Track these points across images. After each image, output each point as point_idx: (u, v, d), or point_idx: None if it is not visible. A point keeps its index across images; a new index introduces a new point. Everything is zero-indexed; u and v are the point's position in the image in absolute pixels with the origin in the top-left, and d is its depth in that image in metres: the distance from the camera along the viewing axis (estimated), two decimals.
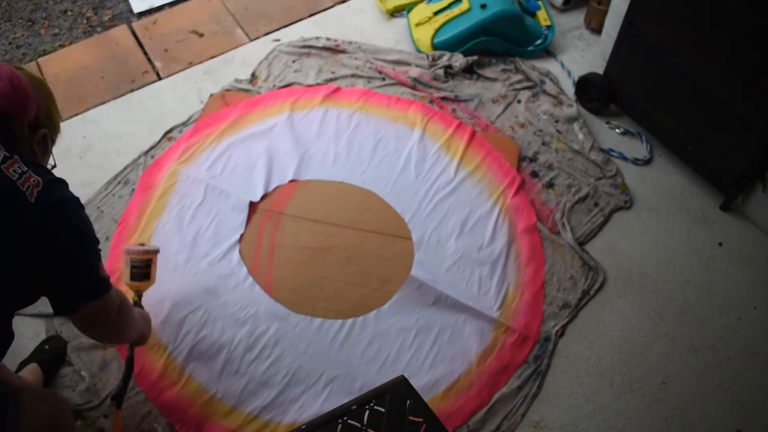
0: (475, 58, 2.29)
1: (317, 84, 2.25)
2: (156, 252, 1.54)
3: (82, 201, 1.21)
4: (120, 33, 2.51)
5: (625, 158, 2.06)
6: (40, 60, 2.40)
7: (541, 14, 2.43)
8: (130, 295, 1.51)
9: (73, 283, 1.09)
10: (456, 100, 2.21)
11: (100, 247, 1.15)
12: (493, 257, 1.80)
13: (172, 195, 1.92)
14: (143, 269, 1.49)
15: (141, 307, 1.53)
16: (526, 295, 1.74)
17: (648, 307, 1.74)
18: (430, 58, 2.30)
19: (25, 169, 1.01)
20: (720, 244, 1.87)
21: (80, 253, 1.08)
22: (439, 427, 0.87)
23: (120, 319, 1.24)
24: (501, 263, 1.79)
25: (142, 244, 1.53)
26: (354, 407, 0.87)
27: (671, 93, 1.90)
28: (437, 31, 2.35)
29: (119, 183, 1.98)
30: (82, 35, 2.54)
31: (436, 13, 2.38)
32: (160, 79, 2.33)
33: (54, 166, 1.20)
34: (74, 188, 1.14)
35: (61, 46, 2.49)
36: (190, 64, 2.37)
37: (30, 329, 1.66)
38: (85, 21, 2.60)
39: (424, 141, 2.06)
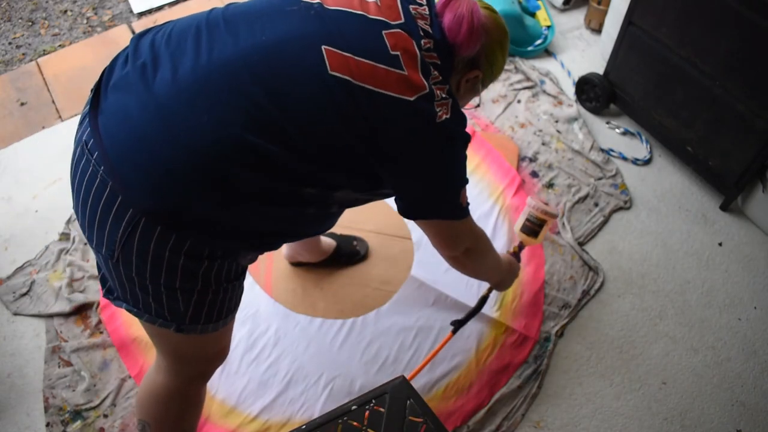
0: None
1: None
2: (554, 216, 1.52)
3: None
4: (120, 33, 2.51)
5: (625, 158, 2.06)
6: (40, 60, 2.40)
7: (541, 14, 2.43)
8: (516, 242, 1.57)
9: (421, 199, 1.11)
10: None
11: None
12: None
13: None
14: (535, 226, 1.51)
15: (518, 259, 1.53)
16: (525, 296, 1.74)
17: (648, 307, 1.74)
18: None
19: (446, 98, 1.04)
20: (720, 244, 1.87)
21: (439, 182, 1.10)
22: (439, 427, 0.87)
23: (474, 251, 1.24)
24: None
25: (546, 203, 1.53)
26: (354, 407, 0.87)
27: (671, 93, 1.90)
28: None
29: None
30: (82, 35, 2.54)
31: None
32: None
33: (478, 106, 1.24)
34: None
35: (61, 46, 2.49)
36: None
37: (30, 329, 1.66)
38: (85, 21, 2.60)
39: None
